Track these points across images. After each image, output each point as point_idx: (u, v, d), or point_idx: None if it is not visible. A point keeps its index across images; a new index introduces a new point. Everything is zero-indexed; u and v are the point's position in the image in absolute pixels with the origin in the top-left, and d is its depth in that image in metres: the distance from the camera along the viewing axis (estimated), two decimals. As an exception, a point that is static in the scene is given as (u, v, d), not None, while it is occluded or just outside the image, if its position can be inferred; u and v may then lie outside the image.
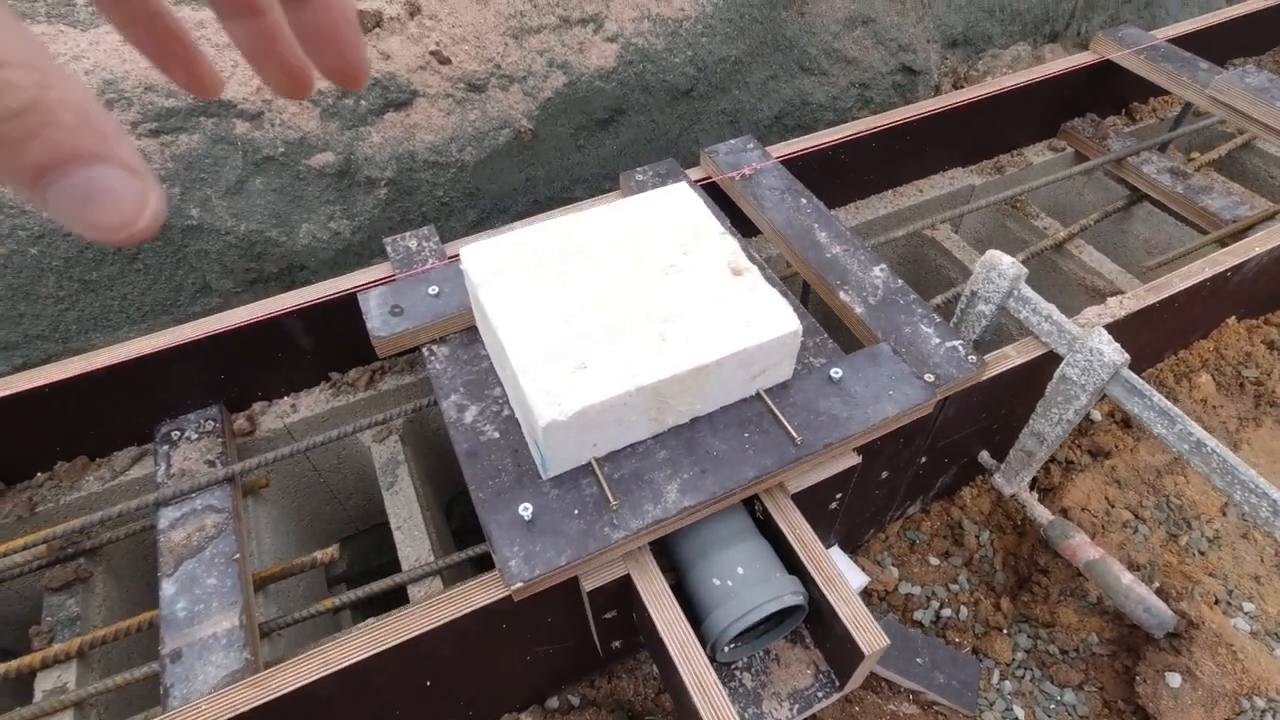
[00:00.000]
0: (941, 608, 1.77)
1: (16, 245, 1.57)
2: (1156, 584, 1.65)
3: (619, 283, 1.21)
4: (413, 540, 1.61)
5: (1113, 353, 1.34)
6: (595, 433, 1.12)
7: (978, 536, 1.86)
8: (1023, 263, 2.21)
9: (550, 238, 1.28)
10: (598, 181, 2.13)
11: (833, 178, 2.09)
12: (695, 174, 1.83)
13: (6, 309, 1.61)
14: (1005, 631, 1.72)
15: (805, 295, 1.83)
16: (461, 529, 2.25)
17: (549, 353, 1.10)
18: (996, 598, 1.77)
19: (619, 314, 1.16)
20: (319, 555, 1.54)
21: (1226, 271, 1.67)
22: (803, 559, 1.18)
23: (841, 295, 1.49)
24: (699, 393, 1.16)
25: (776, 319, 1.16)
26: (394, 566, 1.68)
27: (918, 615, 1.75)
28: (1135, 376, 1.34)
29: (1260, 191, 2.58)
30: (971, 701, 1.58)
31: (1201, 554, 1.72)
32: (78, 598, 1.50)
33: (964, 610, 1.76)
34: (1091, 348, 1.36)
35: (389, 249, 1.63)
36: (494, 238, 1.28)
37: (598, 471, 1.14)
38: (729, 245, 1.28)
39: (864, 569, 1.78)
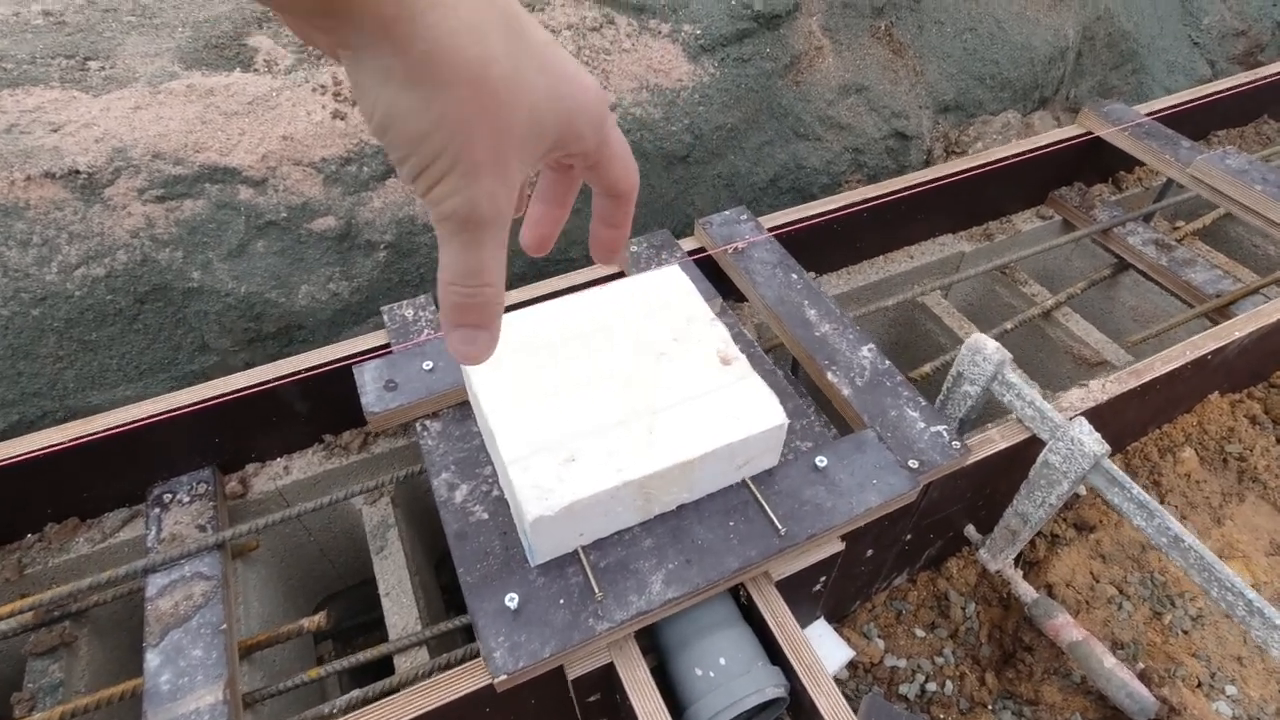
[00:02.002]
0: (927, 681, 1.77)
1: (19, 307, 1.59)
2: (1140, 665, 1.65)
3: (610, 370, 1.23)
4: (400, 608, 1.61)
5: (1093, 443, 1.36)
6: (582, 523, 1.13)
7: (963, 608, 1.87)
8: (1011, 330, 2.26)
9: (545, 321, 1.31)
10: (594, 244, 2.17)
11: (825, 246, 2.13)
12: (689, 244, 1.87)
13: (6, 368, 1.63)
14: (990, 708, 1.72)
15: (795, 367, 1.86)
16: (451, 585, 2.24)
17: (539, 444, 1.12)
18: (981, 672, 1.78)
19: (609, 403, 1.18)
20: (305, 623, 1.54)
21: (1207, 355, 1.71)
22: (785, 649, 1.19)
23: (829, 375, 1.52)
24: (685, 484, 1.18)
25: (763, 412, 1.19)
26: (380, 623, 1.68)
27: (903, 689, 1.75)
28: (1115, 468, 1.36)
29: (1243, 261, 2.63)
30: (955, 782, 1.58)
31: (1185, 633, 1.74)
32: (61, 663, 1.50)
33: (949, 684, 1.76)
34: (1073, 437, 1.39)
35: (385, 317, 1.65)
36: (489, 321, 1.31)
37: (584, 560, 1.16)
38: (719, 333, 1.31)
39: (850, 641, 1.79)
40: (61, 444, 1.44)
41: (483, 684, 1.13)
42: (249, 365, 1.85)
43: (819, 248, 2.13)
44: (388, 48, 0.33)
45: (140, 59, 1.90)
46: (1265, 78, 2.73)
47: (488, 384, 1.20)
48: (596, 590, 1.12)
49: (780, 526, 1.21)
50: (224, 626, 1.40)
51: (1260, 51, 3.94)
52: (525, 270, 2.13)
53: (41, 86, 1.75)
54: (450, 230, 0.40)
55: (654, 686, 1.15)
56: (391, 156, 0.38)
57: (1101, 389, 1.60)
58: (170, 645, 1.36)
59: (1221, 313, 2.14)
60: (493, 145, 0.38)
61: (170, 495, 1.60)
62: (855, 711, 1.65)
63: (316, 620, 1.54)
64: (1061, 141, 2.36)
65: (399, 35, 0.33)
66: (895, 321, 2.46)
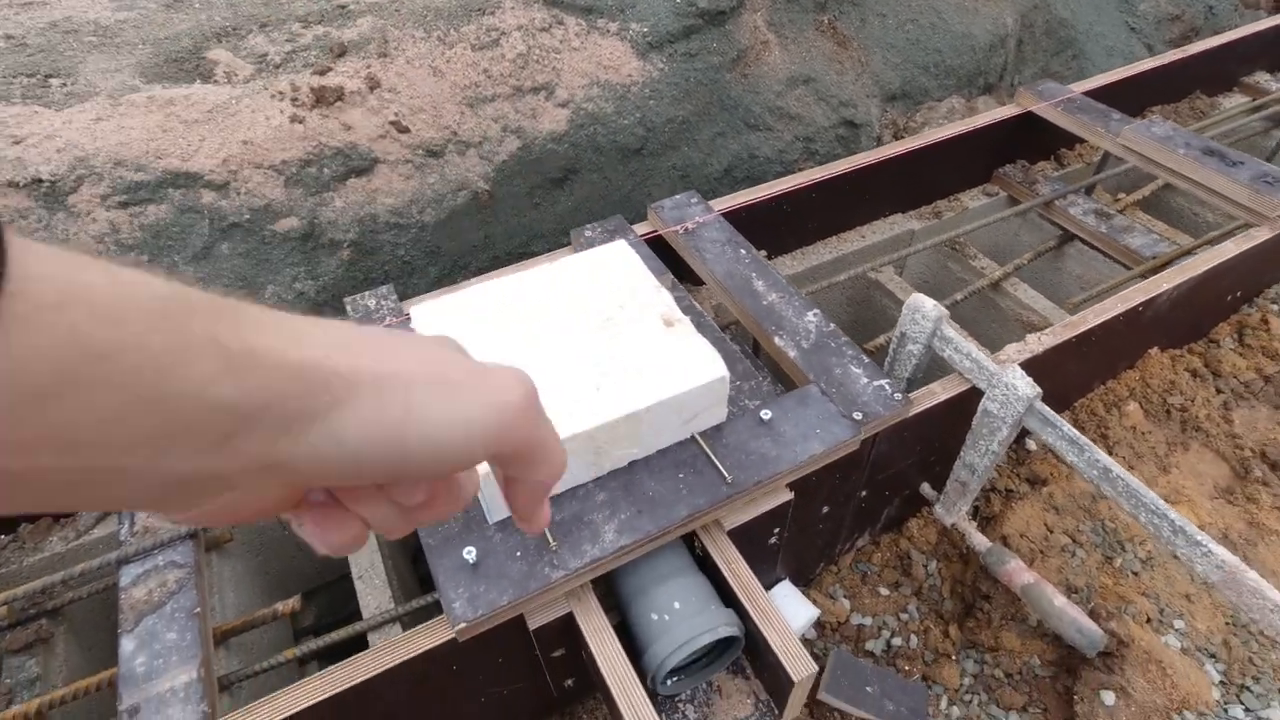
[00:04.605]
0: (892, 637, 1.82)
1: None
2: (1091, 605, 1.72)
3: (560, 338, 1.29)
4: (373, 589, 1.65)
5: (1025, 387, 1.43)
6: (535, 478, 1.18)
7: (925, 566, 1.93)
8: (962, 301, 2.34)
9: (496, 296, 1.37)
10: (554, 236, 2.24)
11: (776, 228, 2.21)
12: (642, 229, 1.94)
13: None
14: (953, 658, 1.77)
15: (757, 348, 1.92)
16: (430, 575, 2.27)
17: (490, 404, 1.18)
18: (945, 625, 1.83)
19: (558, 367, 1.24)
20: (280, 607, 1.57)
21: (1138, 306, 1.79)
22: (737, 592, 1.24)
23: (776, 340, 1.59)
24: (634, 438, 1.24)
25: (705, 366, 1.25)
26: (360, 617, 1.71)
27: (869, 645, 1.80)
28: (1047, 409, 1.43)
29: (1183, 228, 2.74)
30: (921, 729, 1.63)
31: (1135, 575, 1.80)
32: (38, 658, 1.52)
33: (914, 639, 1.81)
34: (1007, 383, 1.46)
35: (349, 308, 1.71)
36: (442, 297, 1.37)
37: (540, 515, 1.21)
38: (663, 299, 1.37)
39: (816, 602, 1.84)
40: (32, 441, 1.47)
41: (445, 639, 1.18)
42: (219, 366, 1.89)
43: (772, 230, 2.21)
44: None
45: (101, 75, 1.96)
46: (1191, 54, 2.85)
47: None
48: (552, 541, 1.17)
49: (728, 475, 1.26)
50: (197, 610, 1.43)
51: (1195, 35, 4.10)
52: (486, 265, 2.19)
53: (3, 104, 1.80)
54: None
55: (613, 634, 1.20)
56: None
57: (1038, 341, 1.67)
58: (144, 630, 1.39)
59: (1157, 274, 2.23)
60: None
61: (143, 491, 1.63)
62: (823, 669, 1.70)
63: (290, 604, 1.58)
64: (1000, 119, 2.46)
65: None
66: (851, 299, 2.53)
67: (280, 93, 1.93)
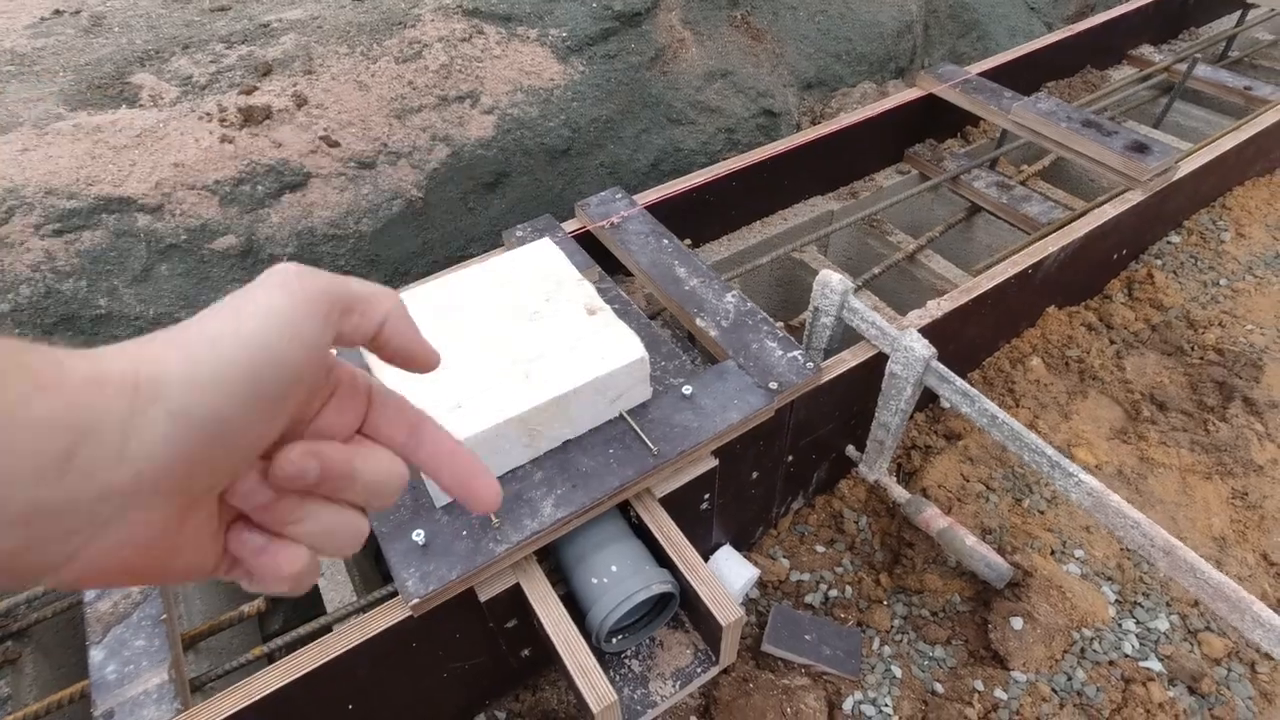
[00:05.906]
0: (829, 589, 1.97)
1: (-73, 349, 1.65)
2: (1000, 543, 1.89)
3: (491, 333, 1.39)
4: (336, 585, 1.72)
5: (922, 348, 1.58)
6: (475, 462, 1.28)
7: (857, 522, 2.08)
8: (881, 274, 2.50)
9: (431, 299, 1.46)
10: (490, 238, 2.33)
11: (701, 216, 2.33)
12: (571, 225, 2.04)
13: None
14: (885, 603, 1.93)
15: (691, 337, 2.02)
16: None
17: (428, 399, 1.27)
18: (876, 574, 1.99)
19: (492, 361, 1.34)
20: (246, 608, 1.64)
21: (1027, 269, 1.97)
22: (670, 554, 1.36)
23: (698, 321, 1.71)
24: (564, 419, 1.35)
25: (625, 349, 1.36)
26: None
27: (809, 599, 1.95)
28: (942, 367, 1.58)
29: (1081, 194, 2.95)
30: (855, 668, 1.77)
31: (1041, 513, 1.98)
32: (8, 679, 1.57)
33: (849, 589, 1.96)
34: (906, 345, 1.61)
35: (291, 319, 1.77)
36: (378, 302, 1.45)
37: (482, 496, 1.31)
38: (585, 290, 1.48)
39: (757, 563, 1.97)
40: (-16, 468, 1.51)
41: (402, 616, 1.27)
42: (167, 385, 1.94)
43: (698, 218, 2.33)
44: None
45: (23, 104, 1.98)
46: (1080, 31, 3.06)
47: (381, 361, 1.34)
48: (494, 519, 1.28)
49: (654, 447, 1.38)
50: (164, 617, 1.49)
51: (1091, 11, 4.35)
52: (426, 270, 2.26)
53: (-74, 139, 1.82)
54: None
55: (558, 600, 1.31)
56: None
57: (937, 306, 1.83)
58: (113, 639, 1.45)
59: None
60: None
61: (100, 510, 1.68)
62: (766, 625, 1.84)
63: (256, 605, 1.65)
64: (905, 102, 2.63)
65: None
66: (780, 280, 2.68)
67: (208, 114, 1.98)
